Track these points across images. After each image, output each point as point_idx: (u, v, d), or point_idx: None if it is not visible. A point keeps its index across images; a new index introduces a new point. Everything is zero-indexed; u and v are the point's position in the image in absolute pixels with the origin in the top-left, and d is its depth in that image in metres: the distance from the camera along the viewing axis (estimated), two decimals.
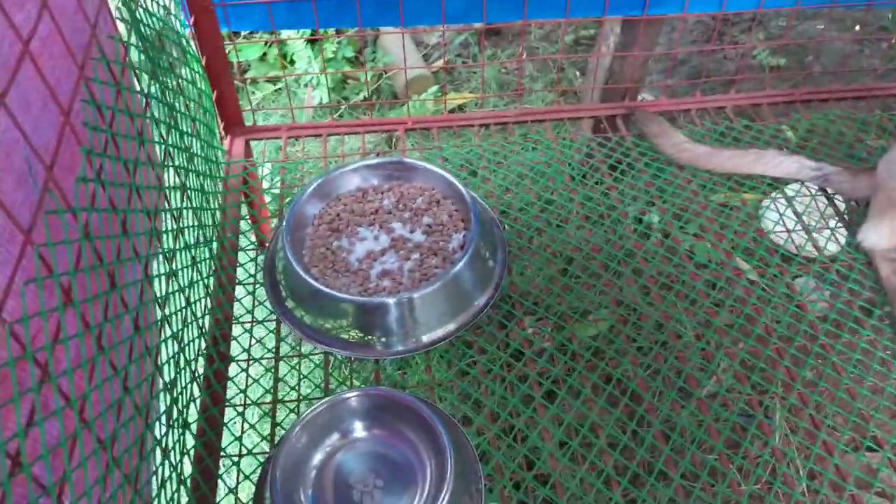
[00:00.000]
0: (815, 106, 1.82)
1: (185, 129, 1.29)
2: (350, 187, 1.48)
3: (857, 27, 2.77)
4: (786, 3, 1.66)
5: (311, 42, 2.46)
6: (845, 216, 1.53)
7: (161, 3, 1.28)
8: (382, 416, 1.11)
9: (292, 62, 2.47)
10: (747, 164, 1.56)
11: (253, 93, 2.45)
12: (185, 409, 1.09)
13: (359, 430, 1.11)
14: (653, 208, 1.60)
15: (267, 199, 1.77)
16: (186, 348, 1.12)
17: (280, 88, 2.52)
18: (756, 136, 1.70)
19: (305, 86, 2.39)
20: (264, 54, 2.50)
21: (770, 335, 1.29)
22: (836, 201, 1.55)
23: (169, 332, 1.05)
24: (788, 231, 1.50)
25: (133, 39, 1.07)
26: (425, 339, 1.26)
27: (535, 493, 1.11)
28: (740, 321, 1.32)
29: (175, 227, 1.14)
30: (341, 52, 2.48)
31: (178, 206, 1.18)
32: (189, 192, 1.23)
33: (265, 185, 1.71)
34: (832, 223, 1.51)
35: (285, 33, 2.48)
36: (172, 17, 1.36)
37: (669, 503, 1.08)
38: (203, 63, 1.54)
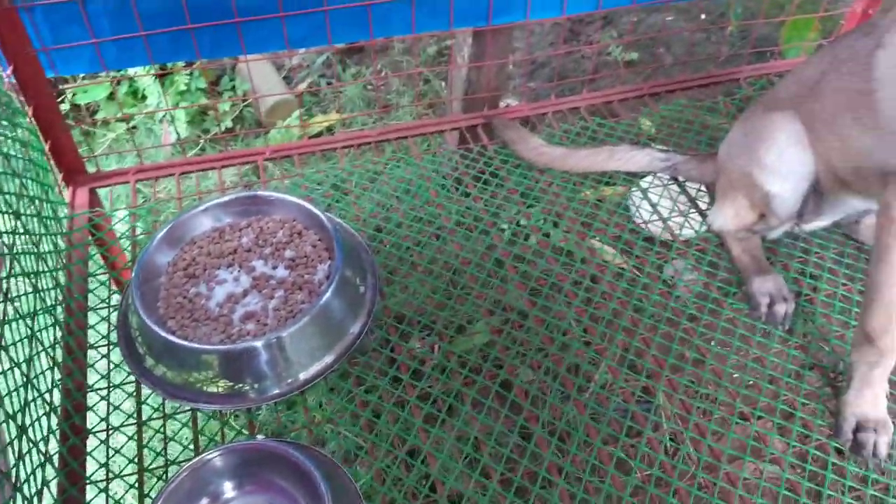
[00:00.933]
0: (665, 97, 1.90)
1: (9, 190, 1.18)
2: (204, 229, 1.40)
3: (703, 16, 2.92)
4: (623, 2, 1.72)
5: (161, 76, 2.34)
6: (697, 201, 1.59)
7: None
8: (254, 471, 1.05)
9: (144, 98, 2.35)
10: (601, 161, 1.61)
11: (104, 135, 2.31)
12: (35, 497, 1.00)
13: (229, 490, 1.05)
14: (519, 214, 1.62)
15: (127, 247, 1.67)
16: (30, 429, 1.02)
17: (135, 127, 2.39)
18: (609, 132, 1.75)
19: (161, 122, 2.28)
20: (112, 93, 2.37)
21: (636, 325, 1.32)
22: (687, 188, 1.61)
23: (2, 416, 0.96)
24: (645, 222, 1.55)
25: None
26: (302, 377, 1.21)
27: None
28: (608, 316, 1.35)
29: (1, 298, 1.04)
30: (194, 84, 2.38)
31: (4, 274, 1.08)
32: (17, 257, 1.13)
33: (118, 233, 1.60)
34: (685, 209, 1.57)
35: (132, 70, 2.36)
36: None
37: None
38: (31, 113, 1.43)
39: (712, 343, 1.29)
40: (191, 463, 1.01)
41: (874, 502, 1.12)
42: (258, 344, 1.16)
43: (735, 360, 1.27)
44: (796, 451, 1.17)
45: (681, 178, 1.62)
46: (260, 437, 1.16)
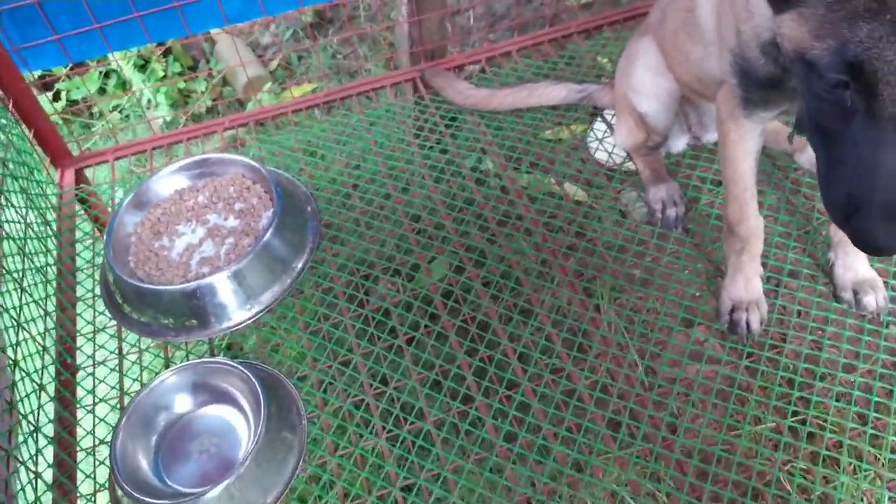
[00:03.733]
0: (593, 33, 2.02)
1: None
2: (168, 192, 1.61)
3: None
4: None
5: (142, 67, 2.56)
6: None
7: None
8: (205, 385, 1.26)
9: (130, 87, 2.57)
10: (523, 98, 1.75)
11: (98, 125, 2.55)
12: (32, 414, 1.22)
13: (186, 403, 1.25)
14: (485, 155, 1.76)
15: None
16: (23, 362, 1.25)
17: (128, 115, 2.61)
18: (538, 70, 1.89)
19: (147, 108, 2.49)
20: (103, 88, 2.60)
21: (596, 245, 1.47)
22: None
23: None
24: (608, 154, 1.67)
25: None
26: (255, 307, 1.41)
27: (353, 417, 1.28)
28: (570, 238, 1.50)
29: None
30: (171, 69, 2.59)
31: None
32: (1, 224, 1.35)
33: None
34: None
35: (113, 62, 2.57)
36: None
37: (519, 406, 1.24)
38: (10, 105, 1.64)
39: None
40: (150, 382, 1.22)
41: (748, 372, 1.27)
42: (208, 281, 1.36)
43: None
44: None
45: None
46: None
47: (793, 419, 1.20)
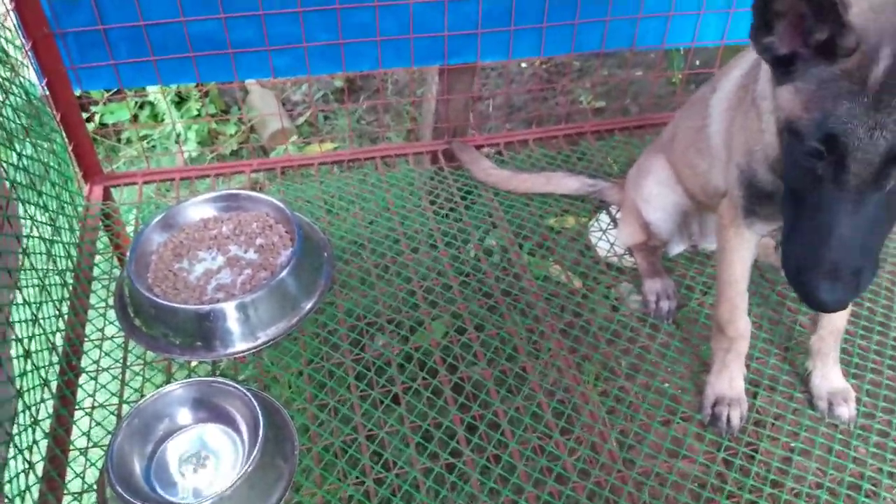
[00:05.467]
0: (605, 135, 2.17)
1: (34, 171, 1.48)
2: (194, 219, 1.68)
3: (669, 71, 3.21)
4: (562, 49, 2.00)
5: (178, 104, 2.69)
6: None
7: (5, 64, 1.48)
8: (207, 403, 1.30)
9: (162, 120, 2.69)
10: (540, 184, 1.87)
11: (126, 150, 2.65)
12: (34, 407, 1.25)
13: (186, 416, 1.29)
14: (494, 230, 1.85)
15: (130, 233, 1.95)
16: (34, 356, 1.29)
17: (154, 146, 2.71)
18: (551, 160, 2.02)
19: (176, 142, 2.60)
20: (136, 116, 2.71)
21: (591, 326, 1.55)
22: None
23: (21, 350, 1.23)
24: (611, 244, 1.77)
25: None
26: (260, 337, 1.46)
27: (344, 454, 1.31)
28: (567, 316, 1.58)
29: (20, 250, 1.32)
30: (205, 110, 2.72)
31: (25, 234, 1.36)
32: (35, 224, 1.41)
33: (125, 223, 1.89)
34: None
35: (151, 94, 2.70)
36: (21, 79, 1.56)
37: (505, 466, 1.28)
38: (58, 118, 1.74)
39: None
40: (157, 391, 1.26)
41: (725, 464, 1.34)
42: (221, 306, 1.42)
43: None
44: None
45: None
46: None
47: None
